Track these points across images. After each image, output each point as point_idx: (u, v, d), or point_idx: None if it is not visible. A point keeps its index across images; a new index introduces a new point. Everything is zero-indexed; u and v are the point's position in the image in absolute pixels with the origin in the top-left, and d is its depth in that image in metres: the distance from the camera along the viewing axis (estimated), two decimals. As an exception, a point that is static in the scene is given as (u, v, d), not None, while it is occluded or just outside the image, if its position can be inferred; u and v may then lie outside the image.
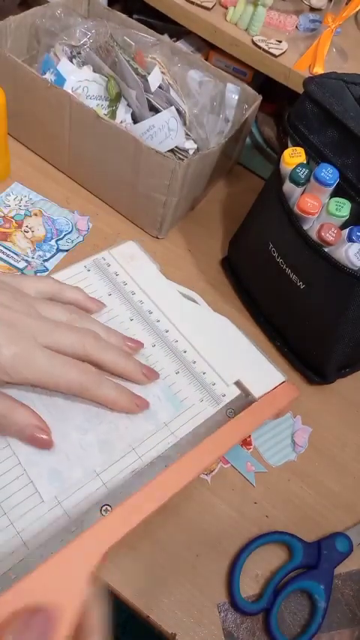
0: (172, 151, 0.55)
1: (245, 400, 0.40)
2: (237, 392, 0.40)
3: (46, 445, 0.33)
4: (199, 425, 0.37)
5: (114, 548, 0.28)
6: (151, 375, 0.38)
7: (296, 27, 0.65)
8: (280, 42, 0.61)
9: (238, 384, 0.40)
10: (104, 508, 0.32)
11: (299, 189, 0.43)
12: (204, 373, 0.40)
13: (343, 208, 0.41)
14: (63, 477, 0.32)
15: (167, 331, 0.41)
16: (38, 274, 0.51)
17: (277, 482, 0.45)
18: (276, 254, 0.47)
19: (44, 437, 0.32)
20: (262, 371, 0.42)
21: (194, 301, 0.45)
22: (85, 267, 0.44)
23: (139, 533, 0.37)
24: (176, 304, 0.44)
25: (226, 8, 0.64)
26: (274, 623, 0.38)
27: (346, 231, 0.41)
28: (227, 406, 0.39)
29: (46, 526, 0.31)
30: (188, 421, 0.37)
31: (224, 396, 0.39)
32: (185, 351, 0.41)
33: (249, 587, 0.39)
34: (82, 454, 0.33)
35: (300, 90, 0.45)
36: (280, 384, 0.41)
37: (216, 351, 0.41)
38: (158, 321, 0.42)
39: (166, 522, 0.40)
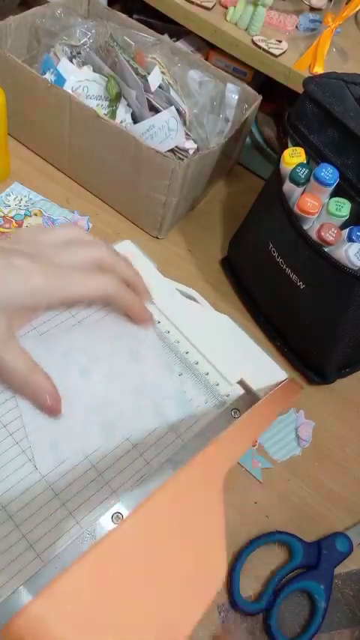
0: (172, 150, 0.55)
1: (249, 399, 0.39)
2: (240, 391, 0.39)
3: (54, 412, 0.34)
4: (205, 427, 0.37)
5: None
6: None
7: (296, 27, 0.65)
8: (280, 42, 0.61)
9: (241, 382, 0.40)
10: (115, 515, 0.31)
11: (299, 189, 0.43)
12: (207, 374, 0.40)
13: (343, 208, 0.41)
14: (58, 450, 0.33)
15: (168, 332, 0.41)
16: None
17: (277, 482, 0.45)
18: (276, 254, 0.47)
19: (56, 406, 0.33)
20: (264, 369, 0.41)
21: (194, 299, 0.45)
22: None
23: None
24: (176, 304, 0.43)
25: (226, 8, 0.64)
26: (274, 623, 0.38)
27: (346, 231, 0.41)
28: (231, 406, 0.39)
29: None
30: (194, 424, 0.37)
31: (228, 396, 0.39)
32: (187, 352, 0.40)
33: (249, 587, 0.39)
34: (82, 431, 0.34)
35: (300, 90, 0.45)
36: (283, 382, 0.41)
37: (218, 351, 0.41)
38: (159, 322, 0.42)
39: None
